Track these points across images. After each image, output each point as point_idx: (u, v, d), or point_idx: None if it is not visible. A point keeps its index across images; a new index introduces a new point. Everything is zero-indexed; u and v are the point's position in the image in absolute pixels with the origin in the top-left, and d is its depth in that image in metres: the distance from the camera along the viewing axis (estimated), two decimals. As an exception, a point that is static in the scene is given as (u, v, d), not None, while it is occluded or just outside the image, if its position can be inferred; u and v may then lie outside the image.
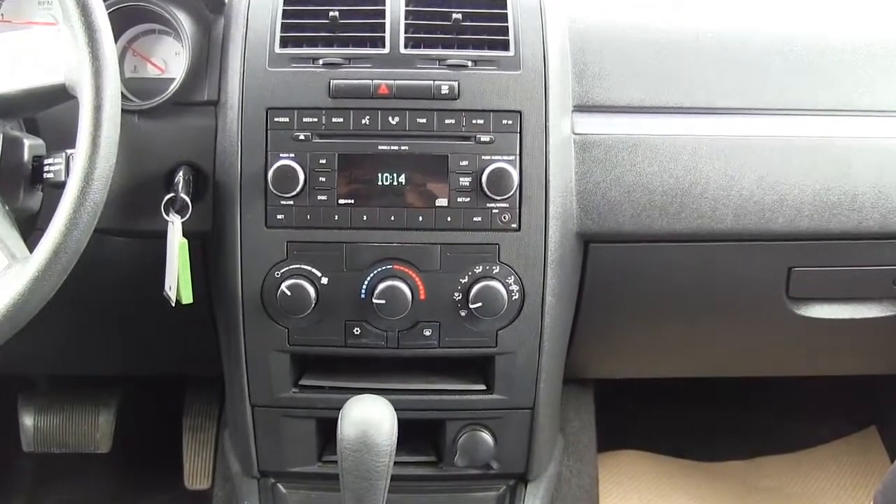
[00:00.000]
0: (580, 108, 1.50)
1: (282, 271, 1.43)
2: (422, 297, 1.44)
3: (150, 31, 1.51)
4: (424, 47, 1.45)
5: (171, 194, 1.41)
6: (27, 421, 2.05)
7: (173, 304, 1.43)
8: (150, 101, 1.44)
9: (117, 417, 2.09)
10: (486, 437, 1.55)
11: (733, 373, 1.93)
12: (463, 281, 1.44)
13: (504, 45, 1.45)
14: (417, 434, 1.58)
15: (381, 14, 1.46)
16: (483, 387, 1.54)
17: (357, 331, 1.46)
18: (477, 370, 1.56)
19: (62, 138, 1.28)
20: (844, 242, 1.56)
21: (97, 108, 1.16)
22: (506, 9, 1.47)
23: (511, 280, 1.45)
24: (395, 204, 1.42)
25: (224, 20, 1.49)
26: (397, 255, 1.43)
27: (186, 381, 2.14)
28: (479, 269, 1.44)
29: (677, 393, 2.21)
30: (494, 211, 1.43)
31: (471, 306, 1.43)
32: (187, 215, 1.41)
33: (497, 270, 1.44)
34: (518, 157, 1.42)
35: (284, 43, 1.45)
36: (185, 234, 1.42)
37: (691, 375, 1.90)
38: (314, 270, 1.43)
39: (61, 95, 1.23)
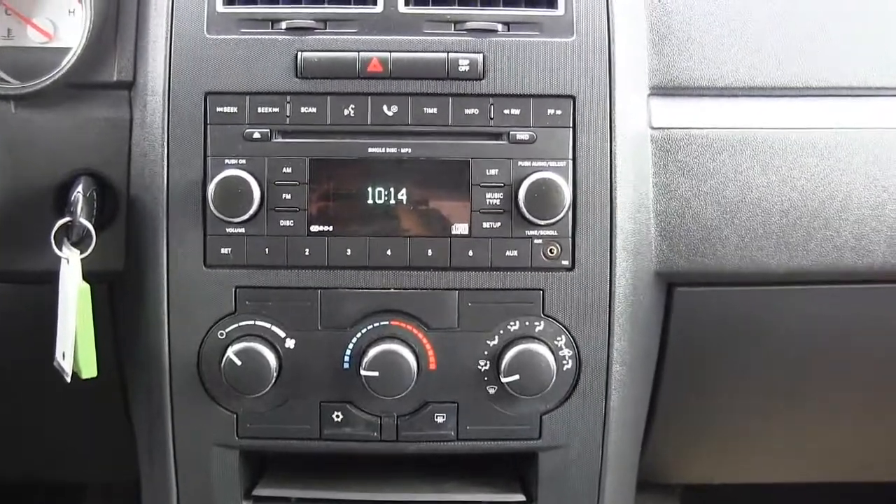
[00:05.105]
0: (660, 91, 1.50)
1: (228, 330, 1.42)
2: (431, 366, 1.44)
3: None
4: (434, 3, 1.45)
5: (66, 218, 1.40)
6: None
7: (68, 379, 1.41)
8: (34, 81, 1.43)
9: (-18, 546, 2.10)
10: (527, 571, 1.55)
11: (886, 476, 1.92)
12: (491, 343, 1.44)
13: (549, 0, 1.45)
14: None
15: None
16: (522, 497, 1.53)
17: (338, 416, 1.46)
18: (512, 473, 1.56)
19: None
20: None
21: None
22: None
23: (561, 341, 1.44)
24: (393, 232, 1.42)
25: (141, -35, 1.49)
26: (396, 307, 1.43)
27: (84, 491, 2.14)
28: (514, 327, 1.44)
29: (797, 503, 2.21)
30: (537, 241, 1.42)
31: (503, 380, 1.42)
32: (89, 249, 1.41)
33: (541, 328, 1.44)
34: (571, 164, 1.42)
35: (230, -2, 1.45)
36: (86, 277, 1.41)
37: (821, 480, 1.90)
38: (275, 329, 1.43)
39: None
